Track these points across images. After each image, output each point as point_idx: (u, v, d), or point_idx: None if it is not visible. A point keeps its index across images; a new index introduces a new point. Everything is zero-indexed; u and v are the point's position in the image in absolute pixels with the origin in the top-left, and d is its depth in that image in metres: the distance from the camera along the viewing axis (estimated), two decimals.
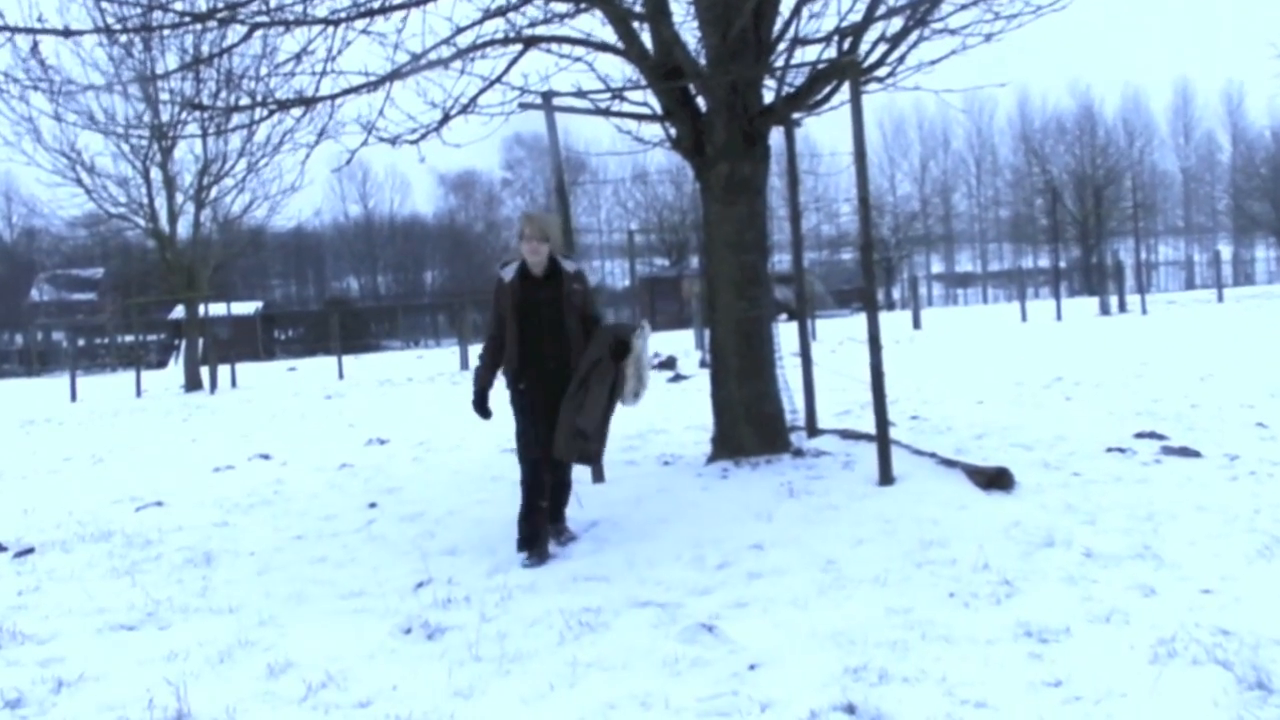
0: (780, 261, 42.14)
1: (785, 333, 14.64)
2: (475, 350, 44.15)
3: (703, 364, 30.58)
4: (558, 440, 10.25)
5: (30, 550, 11.94)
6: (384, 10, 12.83)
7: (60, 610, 9.43)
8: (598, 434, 10.37)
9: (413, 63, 13.12)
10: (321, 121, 15.51)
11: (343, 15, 12.75)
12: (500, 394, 10.48)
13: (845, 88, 12.78)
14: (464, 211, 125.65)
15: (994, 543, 9.49)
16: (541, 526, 10.37)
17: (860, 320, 25.05)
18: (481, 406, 10.56)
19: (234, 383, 43.60)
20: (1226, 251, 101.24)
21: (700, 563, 9.65)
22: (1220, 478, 11.87)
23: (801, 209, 15.24)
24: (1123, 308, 56.11)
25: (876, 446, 12.00)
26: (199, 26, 14.09)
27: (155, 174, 42.82)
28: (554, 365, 10.41)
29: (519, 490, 10.51)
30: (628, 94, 14.44)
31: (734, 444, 13.31)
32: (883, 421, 11.98)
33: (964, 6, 13.67)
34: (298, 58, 13.23)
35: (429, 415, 24.20)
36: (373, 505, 13.29)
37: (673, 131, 14.02)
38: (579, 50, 14.06)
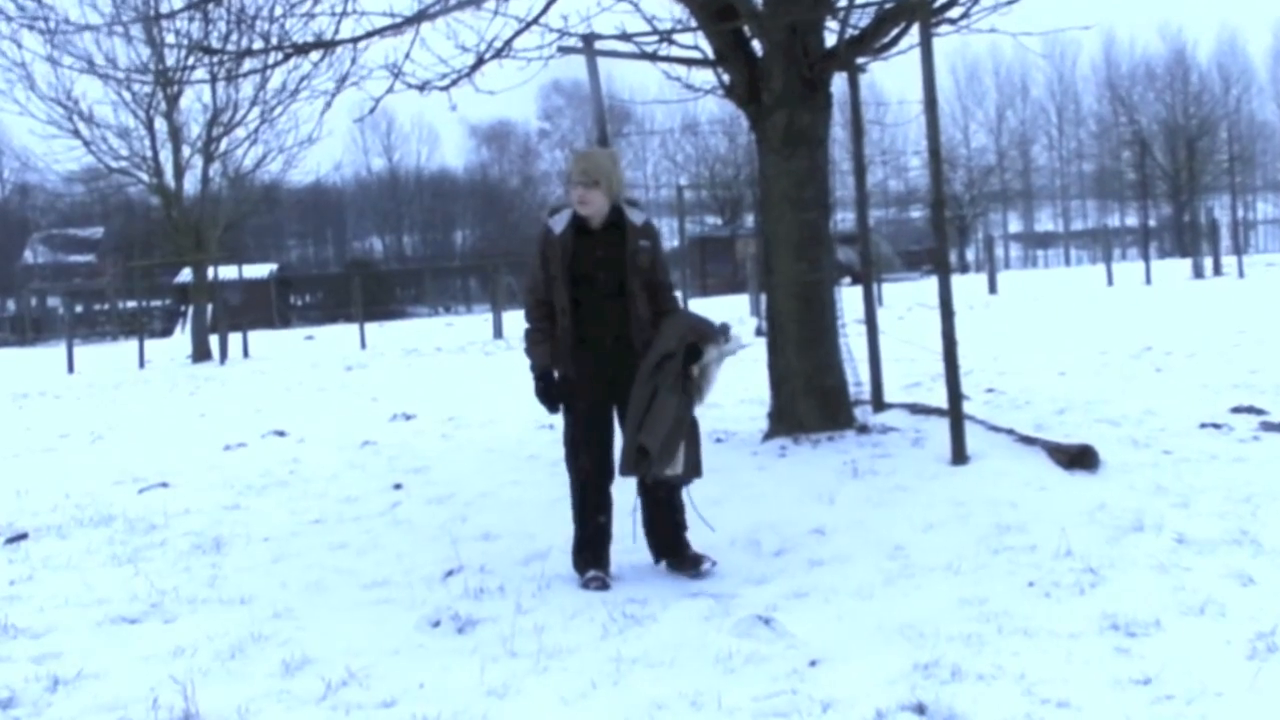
0: (843, 220, 42.13)
1: (849, 298, 14.62)
2: (511, 318, 44.45)
3: (759, 332, 30.49)
4: (623, 453, 8.99)
5: (24, 536, 11.98)
6: None
7: (56, 601, 9.45)
8: (666, 450, 8.87)
9: (442, 2, 13.12)
10: (342, 67, 15.54)
11: None
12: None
13: (914, 30, 12.75)
14: (497, 165, 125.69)
15: (1077, 527, 9.45)
16: (603, 545, 9.24)
17: (931, 284, 24.99)
18: (548, 394, 9.26)
19: (246, 352, 43.74)
20: None
21: (756, 549, 9.66)
22: None
23: (867, 162, 15.23)
24: (1218, 270, 55.81)
25: (949, 422, 11.98)
26: None
27: (160, 124, 43.08)
28: (612, 344, 9.08)
29: (569, 510, 9.46)
30: (676, 37, 14.40)
31: (793, 419, 13.30)
32: (955, 395, 11.95)
33: None
34: None
35: (459, 388, 24.29)
36: (398, 486, 13.32)
37: (726, 78, 14.00)
38: None
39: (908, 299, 45.03)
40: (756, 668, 7.01)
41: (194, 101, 44.16)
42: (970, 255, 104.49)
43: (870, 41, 13.56)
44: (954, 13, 13.57)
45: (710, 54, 13.91)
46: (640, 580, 9.04)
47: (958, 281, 19.99)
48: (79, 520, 12.58)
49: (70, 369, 40.97)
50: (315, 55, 14.36)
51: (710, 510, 9.53)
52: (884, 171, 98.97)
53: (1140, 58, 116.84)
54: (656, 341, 9.05)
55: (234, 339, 44.21)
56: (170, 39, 25.95)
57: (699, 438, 9.25)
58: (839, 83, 14.28)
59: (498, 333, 43.02)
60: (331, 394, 25.69)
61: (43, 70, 40.86)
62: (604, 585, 9.00)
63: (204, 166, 43.81)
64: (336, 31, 13.37)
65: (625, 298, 9.07)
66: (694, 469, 9.13)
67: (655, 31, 14.26)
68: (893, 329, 19.54)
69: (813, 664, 7.00)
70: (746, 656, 7.18)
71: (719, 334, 9.41)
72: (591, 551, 9.24)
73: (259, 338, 50.33)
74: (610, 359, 9.08)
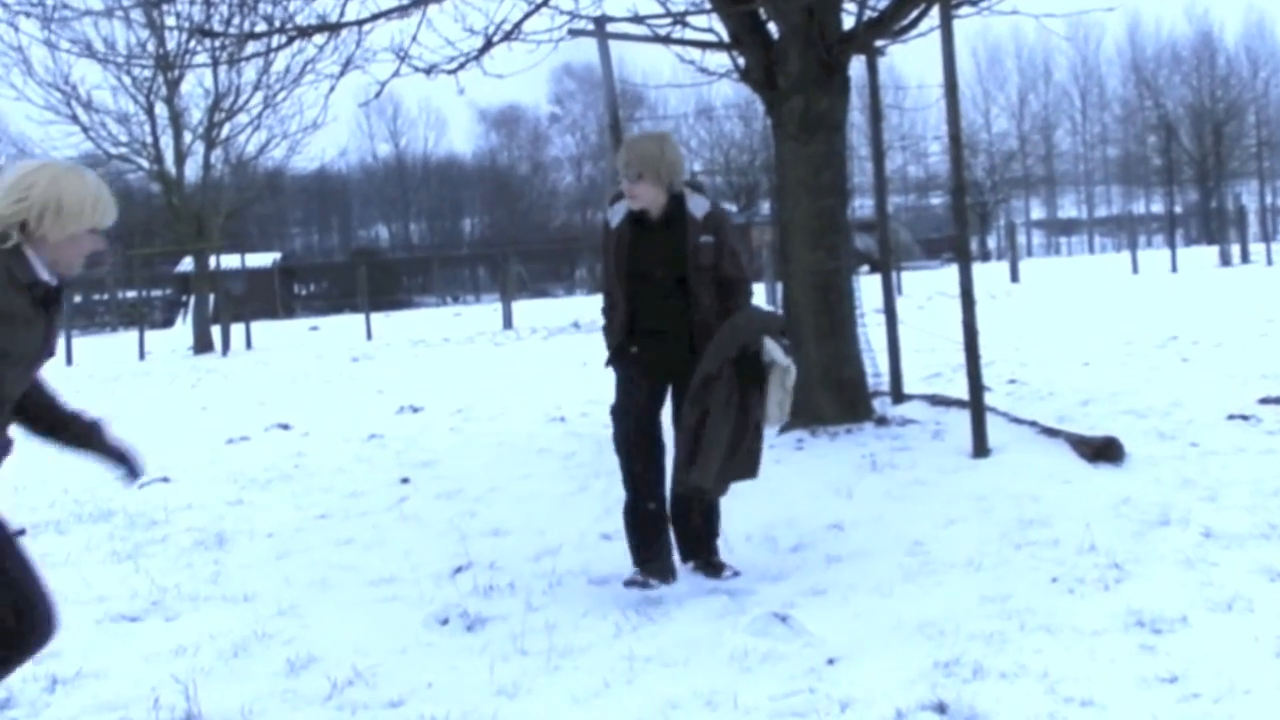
0: (861, 207, 42.05)
1: (867, 286, 14.62)
2: (519, 307, 44.51)
3: None
4: (675, 472, 8.48)
5: (22, 532, 11.79)
6: None
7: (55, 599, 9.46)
8: (720, 480, 8.45)
9: None
10: (347, 50, 15.55)
11: None
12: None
13: (935, 11, 12.73)
14: (507, 151, 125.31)
15: (1102, 521, 9.44)
16: (657, 535, 8.71)
17: (951, 272, 25.03)
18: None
19: (249, 344, 43.64)
20: None
21: (773, 545, 9.66)
22: None
23: (885, 148, 15.22)
24: (1245, 257, 55.70)
25: (970, 414, 11.98)
26: None
27: (160, 110, 43.03)
28: (672, 347, 8.53)
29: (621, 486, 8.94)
30: (690, 19, 14.42)
31: (810, 411, 13.27)
32: (977, 386, 11.95)
33: None
34: None
35: (468, 380, 24.26)
36: (405, 481, 13.33)
37: (741, 61, 13.99)
38: None
39: (928, 288, 44.93)
40: (773, 666, 7.01)
41: (195, 86, 44.08)
42: (992, 243, 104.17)
43: (889, 24, 13.55)
44: None
45: (725, 37, 13.91)
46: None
47: (979, 270, 19.99)
48: (78, 516, 12.59)
49: (69, 361, 40.79)
50: (319, 38, 14.37)
51: (726, 504, 9.45)
52: (903, 157, 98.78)
53: (1166, 40, 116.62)
54: (708, 351, 8.31)
55: (237, 330, 44.08)
56: (171, 22, 25.98)
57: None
58: (857, 66, 14.31)
59: (507, 323, 42.97)
60: (337, 386, 25.69)
61: (40, 54, 40.69)
62: (647, 586, 8.46)
63: (205, 153, 43.76)
64: (341, 14, 13.39)
65: (686, 297, 8.52)
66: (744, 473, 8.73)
67: (669, 14, 14.27)
68: (912, 319, 19.51)
69: (831, 662, 7.00)
70: (763, 655, 7.17)
71: (777, 326, 8.82)
72: (645, 544, 8.68)
73: (262, 328, 50.29)
74: (670, 357, 8.56)
